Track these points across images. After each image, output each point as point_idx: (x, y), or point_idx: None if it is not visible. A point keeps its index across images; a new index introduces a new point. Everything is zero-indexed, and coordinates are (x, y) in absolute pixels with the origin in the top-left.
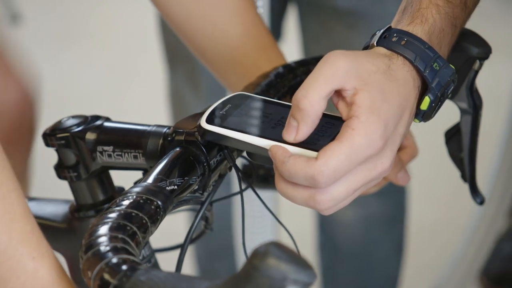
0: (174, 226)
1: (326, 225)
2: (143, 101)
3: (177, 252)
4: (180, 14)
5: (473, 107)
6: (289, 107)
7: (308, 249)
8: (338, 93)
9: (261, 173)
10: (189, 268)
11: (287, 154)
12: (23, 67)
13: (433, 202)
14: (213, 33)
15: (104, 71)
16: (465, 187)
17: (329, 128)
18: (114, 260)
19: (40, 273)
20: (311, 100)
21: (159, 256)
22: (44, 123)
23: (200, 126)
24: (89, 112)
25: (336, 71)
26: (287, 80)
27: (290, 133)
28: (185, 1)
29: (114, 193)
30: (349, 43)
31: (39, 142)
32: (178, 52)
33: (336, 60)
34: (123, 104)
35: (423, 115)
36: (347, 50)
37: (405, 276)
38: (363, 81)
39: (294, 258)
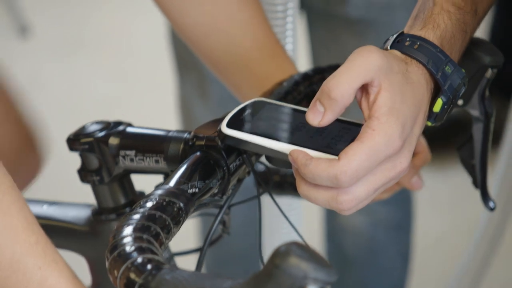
0: (186, 231)
1: (334, 234)
2: (153, 108)
3: (193, 256)
4: (196, 29)
5: (485, 115)
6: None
7: None
8: (363, 88)
9: (276, 180)
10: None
11: (308, 157)
12: (24, 110)
13: (439, 211)
14: (228, 45)
15: (115, 78)
16: (470, 195)
17: (345, 133)
18: (139, 259)
19: (48, 281)
20: (342, 91)
21: (176, 259)
22: (57, 130)
23: (220, 131)
24: (101, 119)
25: (370, 65)
26: (303, 87)
27: (315, 117)
28: (202, 17)
29: (135, 197)
30: None
31: (62, 147)
32: (187, 61)
33: (370, 54)
34: (133, 111)
35: (435, 118)
36: None
37: (411, 284)
38: (388, 80)
39: (315, 257)
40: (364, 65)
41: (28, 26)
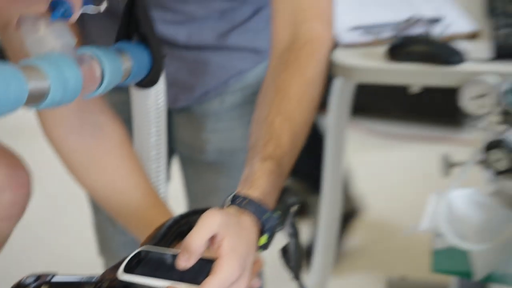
0: None
1: None
2: (75, 227)
3: None
4: (99, 189)
5: (294, 234)
6: (178, 254)
7: None
8: (212, 237)
9: None
10: None
11: None
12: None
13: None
14: (124, 200)
15: (45, 201)
16: None
17: (205, 267)
18: None
19: None
20: (197, 245)
21: None
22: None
23: (116, 277)
24: (33, 238)
25: (213, 224)
26: (175, 228)
27: (182, 263)
28: (104, 182)
29: None
30: (217, 184)
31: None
32: None
33: (213, 216)
34: (61, 228)
35: (263, 247)
36: (216, 193)
37: None
38: (228, 230)
39: None
40: (209, 224)
41: None
